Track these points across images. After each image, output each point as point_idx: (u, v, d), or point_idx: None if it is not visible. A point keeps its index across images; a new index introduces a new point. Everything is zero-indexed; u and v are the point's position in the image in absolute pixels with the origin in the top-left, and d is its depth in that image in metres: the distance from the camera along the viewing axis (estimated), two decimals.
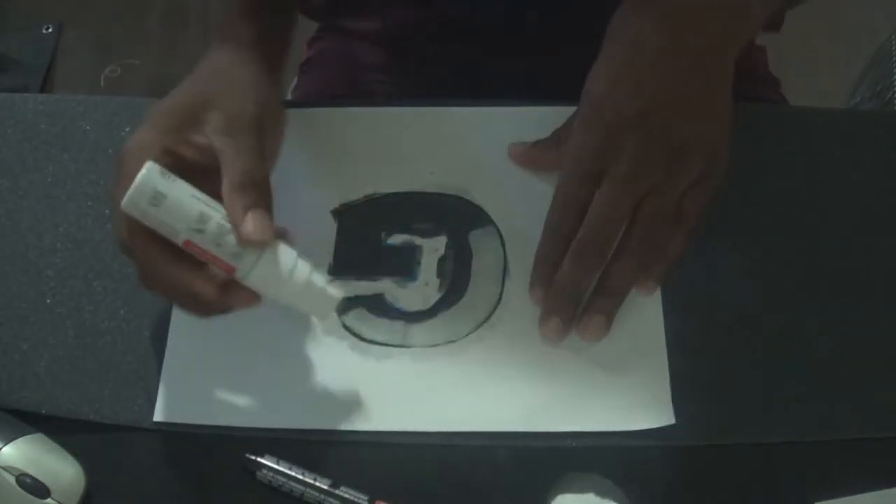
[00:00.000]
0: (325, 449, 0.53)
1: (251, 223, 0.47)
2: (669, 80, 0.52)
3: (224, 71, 0.55)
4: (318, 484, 0.51)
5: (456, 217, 0.60)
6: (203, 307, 0.50)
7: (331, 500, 0.51)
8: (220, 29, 0.59)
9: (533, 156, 0.60)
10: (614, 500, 0.50)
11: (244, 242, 0.48)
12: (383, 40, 0.77)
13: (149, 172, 0.48)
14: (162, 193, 0.47)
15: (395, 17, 0.75)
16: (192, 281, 0.48)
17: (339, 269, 0.59)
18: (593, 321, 0.53)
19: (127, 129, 0.64)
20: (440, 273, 0.58)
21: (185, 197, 0.48)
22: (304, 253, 0.51)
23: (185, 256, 0.48)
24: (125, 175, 0.48)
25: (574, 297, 0.53)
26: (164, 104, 0.52)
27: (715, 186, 0.54)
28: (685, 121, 0.52)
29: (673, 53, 0.53)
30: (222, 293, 0.49)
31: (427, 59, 0.75)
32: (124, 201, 0.47)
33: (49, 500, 0.50)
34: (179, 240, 0.48)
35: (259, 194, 0.49)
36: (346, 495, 0.51)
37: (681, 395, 0.54)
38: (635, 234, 0.52)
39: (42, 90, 1.65)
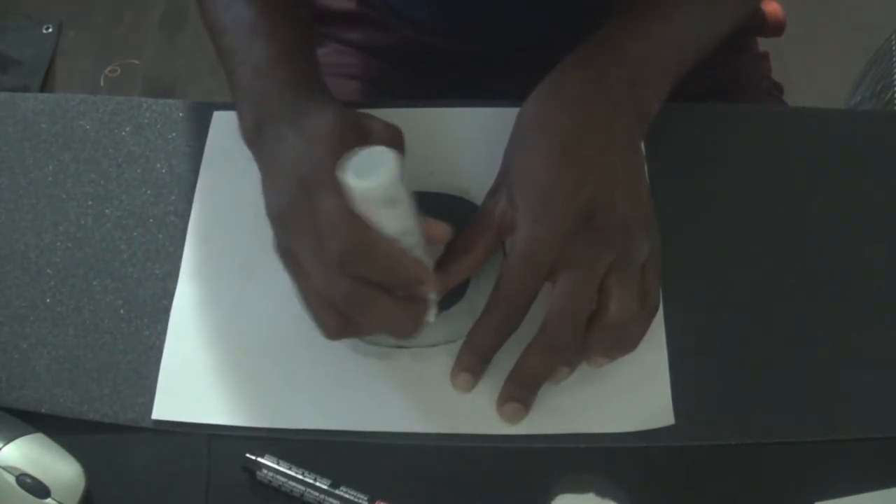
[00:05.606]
0: (325, 449, 0.53)
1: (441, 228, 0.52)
2: (606, 165, 0.53)
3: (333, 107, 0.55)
4: (318, 484, 0.51)
5: (456, 217, 0.59)
6: (416, 308, 0.51)
7: (331, 500, 0.51)
8: (296, 85, 0.57)
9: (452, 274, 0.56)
10: (614, 500, 0.50)
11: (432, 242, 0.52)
12: (373, 54, 0.77)
13: (395, 168, 0.48)
14: (398, 198, 0.48)
15: (381, 35, 0.76)
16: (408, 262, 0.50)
17: None
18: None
19: (127, 129, 0.64)
20: None
21: (406, 210, 0.49)
22: None
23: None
24: (332, 186, 0.49)
25: (538, 386, 0.52)
26: (324, 122, 0.53)
27: (659, 263, 0.53)
28: (626, 203, 0.52)
29: (602, 140, 0.53)
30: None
31: (419, 73, 0.75)
32: (377, 181, 0.47)
33: (49, 500, 0.50)
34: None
35: None
36: (346, 495, 0.51)
37: (681, 396, 0.54)
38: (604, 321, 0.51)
39: (42, 90, 1.65)
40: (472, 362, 0.53)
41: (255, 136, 0.55)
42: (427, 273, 0.50)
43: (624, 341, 0.53)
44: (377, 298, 0.49)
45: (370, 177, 0.47)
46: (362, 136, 0.52)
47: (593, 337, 0.51)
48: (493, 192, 0.56)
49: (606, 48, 0.57)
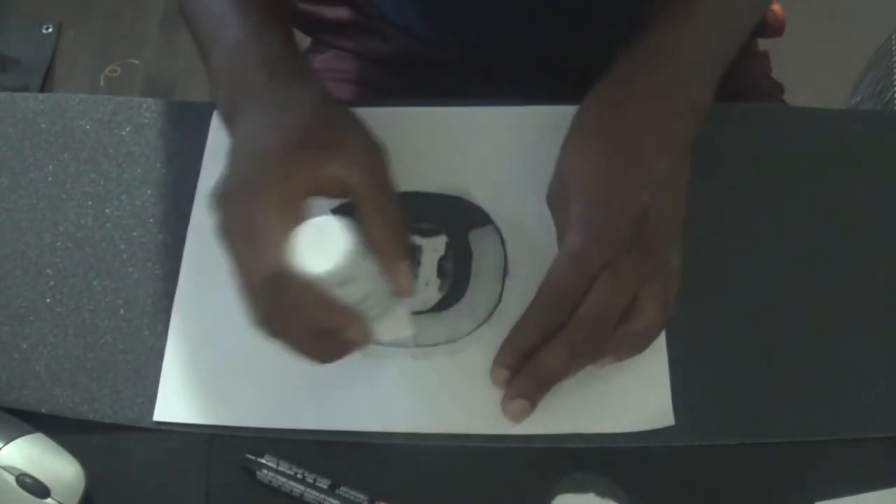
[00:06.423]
0: (325, 449, 0.53)
1: (404, 279, 0.49)
2: (666, 176, 0.52)
3: (320, 106, 0.53)
4: (318, 484, 0.51)
5: (456, 217, 0.60)
6: (337, 345, 0.50)
7: (331, 500, 0.51)
8: (270, 64, 0.55)
9: None
10: (614, 499, 0.50)
11: (396, 294, 0.50)
12: (372, 61, 0.77)
13: (351, 254, 0.45)
14: (353, 277, 0.46)
15: (378, 44, 0.76)
16: (340, 317, 0.48)
17: None
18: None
19: (127, 129, 0.64)
20: (440, 273, 0.58)
21: (363, 277, 0.47)
22: None
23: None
24: (277, 193, 0.48)
25: (552, 385, 0.52)
26: (281, 141, 0.50)
27: (682, 273, 0.53)
28: (674, 213, 0.52)
29: (666, 151, 0.53)
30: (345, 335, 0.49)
31: (419, 79, 0.75)
32: (327, 269, 0.45)
33: (49, 500, 0.50)
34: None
35: (403, 240, 0.50)
36: (346, 495, 0.51)
37: (681, 396, 0.54)
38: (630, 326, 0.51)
39: (42, 90, 1.65)
40: (513, 358, 0.52)
41: (230, 115, 0.54)
42: (348, 320, 0.48)
43: (637, 347, 0.52)
44: (289, 327, 0.48)
45: (322, 260, 0.45)
46: (333, 141, 0.50)
47: (613, 341, 0.51)
48: (553, 191, 0.55)
49: (663, 46, 0.56)
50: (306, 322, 0.48)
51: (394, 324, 0.51)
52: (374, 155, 0.51)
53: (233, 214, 0.49)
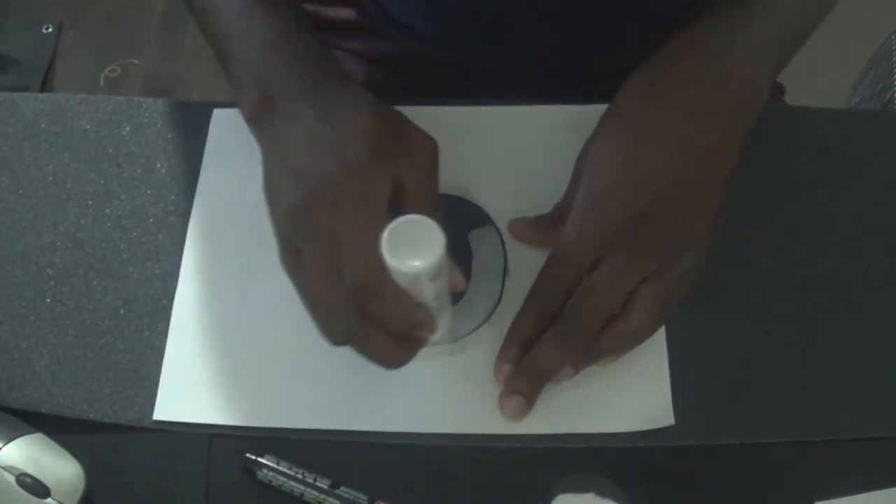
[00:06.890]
0: (325, 449, 0.53)
1: (457, 273, 0.50)
2: (678, 178, 0.50)
3: (371, 104, 0.52)
4: (318, 484, 0.51)
5: (456, 217, 0.60)
6: (409, 346, 0.49)
7: (331, 500, 0.51)
8: (308, 61, 0.54)
9: (536, 235, 0.57)
10: (614, 499, 0.50)
11: (453, 287, 0.49)
12: (377, 62, 0.77)
13: (443, 245, 0.44)
14: (443, 269, 0.46)
15: (383, 44, 0.76)
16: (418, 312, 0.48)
17: None
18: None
19: (127, 129, 0.64)
20: None
21: (446, 269, 0.47)
22: None
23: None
24: (363, 200, 0.47)
25: (545, 380, 0.52)
26: (358, 145, 0.48)
27: (697, 276, 0.52)
28: (686, 216, 0.50)
29: (686, 151, 0.51)
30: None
31: (424, 81, 0.75)
32: (427, 263, 0.44)
33: (49, 500, 0.50)
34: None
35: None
36: (346, 495, 0.51)
37: (681, 396, 0.54)
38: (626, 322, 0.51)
39: (42, 90, 1.65)
40: (515, 352, 0.52)
41: (261, 115, 0.52)
42: (429, 320, 0.48)
43: (628, 345, 0.52)
44: (374, 334, 0.48)
45: (417, 257, 0.44)
46: (399, 141, 0.49)
47: (606, 341, 0.51)
48: (581, 155, 0.54)
49: (709, 41, 0.53)
50: (394, 324, 0.47)
51: (445, 327, 0.51)
52: (434, 154, 0.51)
53: (311, 226, 0.47)
